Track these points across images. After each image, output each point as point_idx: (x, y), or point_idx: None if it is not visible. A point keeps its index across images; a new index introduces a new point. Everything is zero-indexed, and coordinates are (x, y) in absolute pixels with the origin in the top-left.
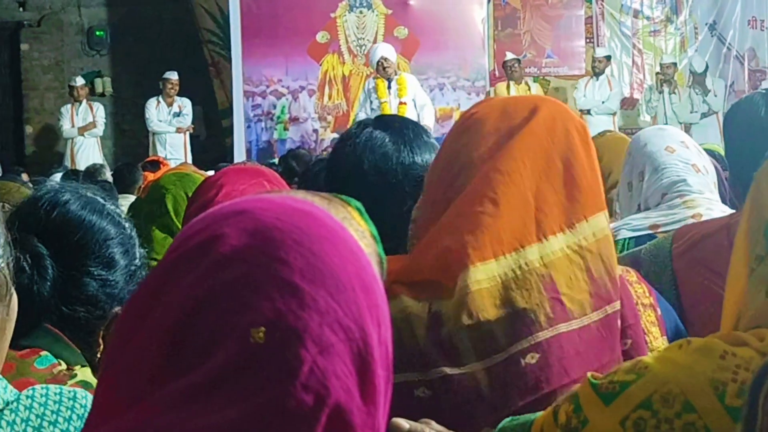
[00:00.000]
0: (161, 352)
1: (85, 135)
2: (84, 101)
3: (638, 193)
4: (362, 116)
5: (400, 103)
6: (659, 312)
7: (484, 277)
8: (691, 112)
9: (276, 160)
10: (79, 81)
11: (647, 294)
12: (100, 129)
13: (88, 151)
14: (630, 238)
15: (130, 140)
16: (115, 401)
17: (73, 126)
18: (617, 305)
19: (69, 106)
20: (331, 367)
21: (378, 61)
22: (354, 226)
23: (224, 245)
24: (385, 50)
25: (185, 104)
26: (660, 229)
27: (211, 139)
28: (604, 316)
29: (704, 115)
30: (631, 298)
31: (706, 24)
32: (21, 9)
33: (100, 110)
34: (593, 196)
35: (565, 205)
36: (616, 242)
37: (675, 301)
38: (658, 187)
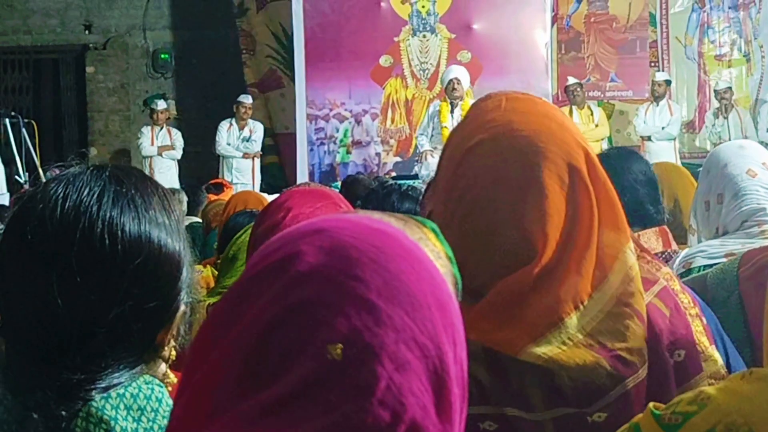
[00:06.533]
0: (240, 367)
1: (164, 155)
2: (164, 125)
3: (716, 215)
4: (423, 140)
5: None
6: (705, 321)
7: (532, 359)
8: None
9: (338, 184)
10: (161, 105)
11: (693, 303)
12: (178, 152)
13: (167, 172)
14: (705, 266)
15: (193, 162)
16: (195, 415)
17: (152, 145)
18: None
19: (149, 127)
20: (407, 384)
21: (450, 80)
22: (429, 246)
23: (302, 263)
24: (460, 72)
25: (257, 129)
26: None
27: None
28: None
29: None
30: (680, 308)
31: None
32: (87, 32)
33: (178, 135)
34: (615, 231)
35: (593, 260)
36: (691, 269)
37: (742, 326)
38: (737, 214)
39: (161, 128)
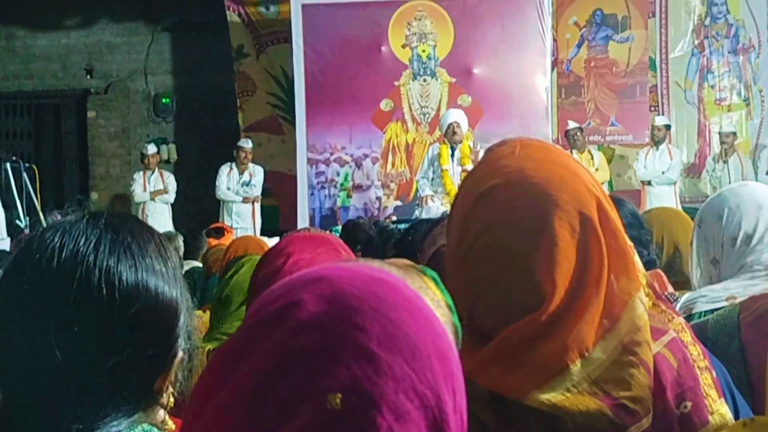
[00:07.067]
0: (241, 415)
1: (156, 200)
2: (155, 169)
3: (739, 255)
4: (424, 184)
5: (463, 171)
6: (714, 374)
7: (537, 404)
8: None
9: (339, 228)
10: (151, 149)
11: (702, 356)
12: (171, 195)
13: (160, 217)
14: (707, 311)
15: (194, 207)
16: None
17: (145, 191)
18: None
19: (141, 172)
20: None
21: (450, 125)
22: (430, 295)
23: (302, 311)
24: (458, 116)
25: (257, 173)
26: (737, 301)
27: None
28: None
29: None
30: (689, 360)
31: None
32: (88, 76)
33: (170, 178)
34: (626, 279)
35: (601, 308)
36: (692, 315)
37: (743, 373)
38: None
39: (153, 172)
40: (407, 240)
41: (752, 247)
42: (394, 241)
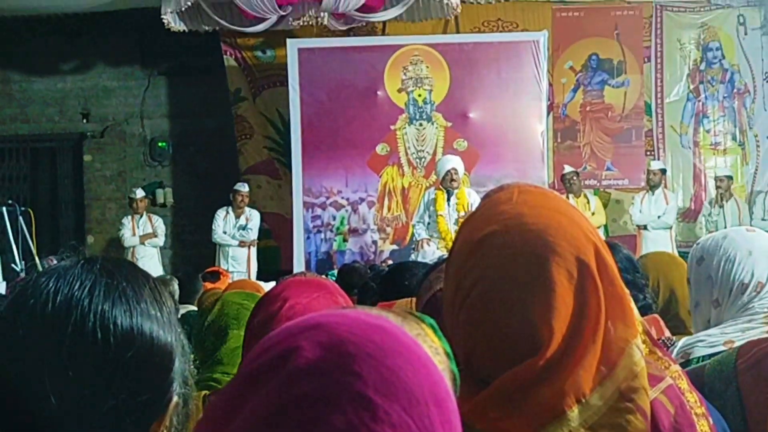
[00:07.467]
0: None
1: (146, 244)
2: (144, 213)
3: (747, 301)
4: (420, 228)
5: (459, 217)
6: (711, 421)
7: None
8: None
9: (335, 272)
10: (139, 193)
11: (699, 403)
12: (161, 239)
13: (149, 261)
14: (705, 356)
15: (190, 251)
16: None
17: (134, 235)
18: None
19: (129, 216)
20: None
21: (448, 171)
22: (428, 342)
23: (299, 358)
24: (456, 162)
25: (253, 217)
26: (734, 345)
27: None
28: None
29: None
30: (686, 406)
31: None
32: (84, 120)
33: (159, 222)
34: (623, 325)
35: (598, 354)
36: (690, 359)
37: (740, 418)
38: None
39: (141, 216)
40: (388, 279)
41: (762, 294)
42: (379, 280)
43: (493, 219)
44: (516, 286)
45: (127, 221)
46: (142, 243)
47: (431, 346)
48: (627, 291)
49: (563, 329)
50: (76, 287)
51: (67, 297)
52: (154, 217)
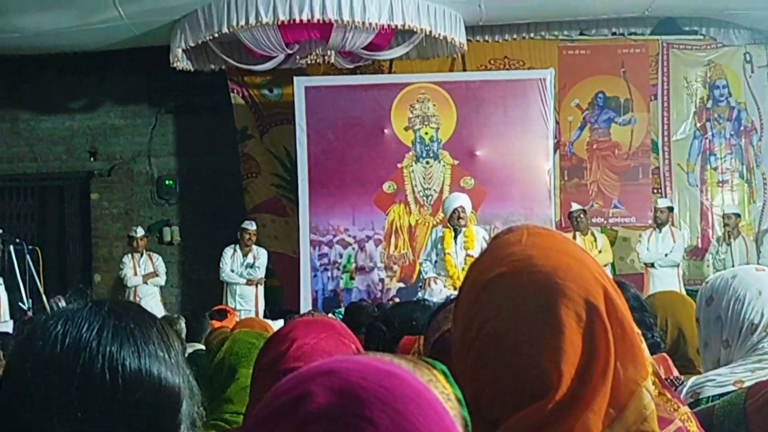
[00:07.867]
0: None
1: (149, 283)
2: (144, 252)
3: (754, 343)
4: (427, 266)
5: (467, 255)
6: None
7: None
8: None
9: (342, 310)
10: (140, 232)
11: None
12: (162, 278)
13: (151, 300)
14: (715, 396)
15: (197, 289)
16: None
17: (135, 274)
18: None
19: (129, 255)
20: None
21: (455, 209)
22: (439, 388)
23: (311, 403)
24: (463, 200)
25: (260, 255)
26: (744, 386)
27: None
28: None
29: None
30: None
31: None
32: (92, 159)
33: (159, 260)
34: (633, 368)
35: (607, 396)
36: (700, 399)
37: None
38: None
39: (141, 255)
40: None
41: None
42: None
43: (502, 261)
44: (525, 328)
45: (127, 260)
46: (145, 282)
47: (442, 392)
48: (637, 332)
49: (572, 372)
50: (85, 329)
51: (75, 339)
52: (154, 256)
